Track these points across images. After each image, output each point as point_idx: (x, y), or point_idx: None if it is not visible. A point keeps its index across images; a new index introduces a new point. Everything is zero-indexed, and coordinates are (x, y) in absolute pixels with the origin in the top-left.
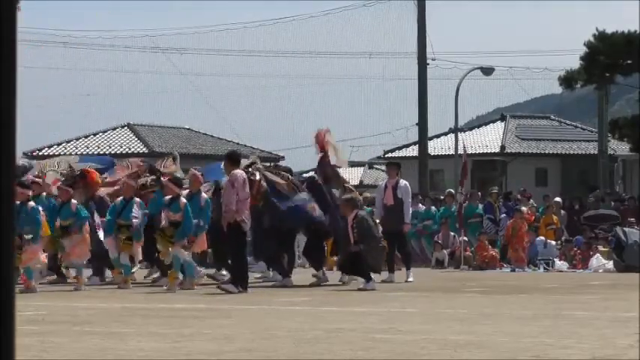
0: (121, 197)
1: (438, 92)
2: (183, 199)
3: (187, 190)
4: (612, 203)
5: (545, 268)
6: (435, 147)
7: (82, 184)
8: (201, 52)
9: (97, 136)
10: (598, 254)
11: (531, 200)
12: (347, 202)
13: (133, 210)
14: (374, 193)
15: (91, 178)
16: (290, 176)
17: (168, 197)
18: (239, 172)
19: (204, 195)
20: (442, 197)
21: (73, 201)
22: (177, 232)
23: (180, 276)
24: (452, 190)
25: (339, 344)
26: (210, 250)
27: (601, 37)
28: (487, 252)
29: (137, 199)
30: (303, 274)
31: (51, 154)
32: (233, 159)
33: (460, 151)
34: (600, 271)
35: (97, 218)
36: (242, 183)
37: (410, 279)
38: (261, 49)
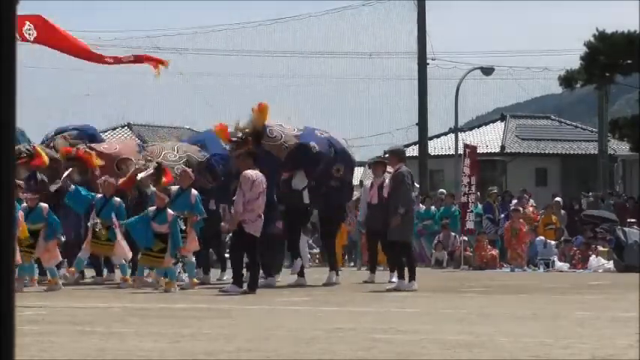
0: (101, 195)
1: (438, 92)
2: (171, 211)
3: (177, 187)
4: (612, 201)
5: (545, 269)
6: (435, 147)
7: (77, 163)
8: (201, 52)
9: None
10: (593, 255)
11: (531, 200)
12: (393, 153)
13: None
14: None
15: (86, 159)
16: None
17: (153, 208)
18: (249, 173)
19: (194, 191)
20: (443, 197)
21: (43, 205)
22: (169, 248)
23: (185, 277)
24: (443, 191)
25: (339, 344)
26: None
27: (601, 37)
28: (486, 252)
29: (117, 199)
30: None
31: None
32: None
33: (460, 150)
34: (600, 271)
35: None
36: (250, 184)
37: (394, 279)
38: (261, 49)
